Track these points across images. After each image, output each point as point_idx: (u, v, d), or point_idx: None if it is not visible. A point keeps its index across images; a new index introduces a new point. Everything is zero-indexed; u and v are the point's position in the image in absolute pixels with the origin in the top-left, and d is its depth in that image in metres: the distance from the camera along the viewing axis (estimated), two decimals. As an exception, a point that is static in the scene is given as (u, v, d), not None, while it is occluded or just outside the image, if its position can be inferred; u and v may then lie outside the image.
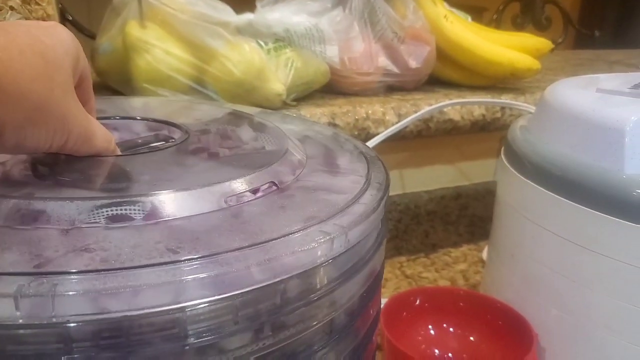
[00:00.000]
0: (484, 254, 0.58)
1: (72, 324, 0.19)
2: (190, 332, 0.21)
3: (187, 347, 0.21)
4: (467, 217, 0.61)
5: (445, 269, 0.57)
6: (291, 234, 0.22)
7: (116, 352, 0.20)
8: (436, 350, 0.41)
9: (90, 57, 0.51)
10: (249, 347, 0.22)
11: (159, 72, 0.45)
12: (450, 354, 0.41)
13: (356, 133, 0.51)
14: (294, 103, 0.50)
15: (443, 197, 0.59)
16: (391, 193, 0.60)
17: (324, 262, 0.23)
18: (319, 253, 0.22)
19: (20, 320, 0.19)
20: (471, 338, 0.41)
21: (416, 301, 0.41)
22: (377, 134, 0.51)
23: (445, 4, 0.58)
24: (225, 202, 0.24)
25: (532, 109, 0.50)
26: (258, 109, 0.41)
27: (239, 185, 0.25)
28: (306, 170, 0.29)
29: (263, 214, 0.24)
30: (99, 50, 0.49)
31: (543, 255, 0.40)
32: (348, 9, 0.52)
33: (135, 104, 0.43)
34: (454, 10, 0.59)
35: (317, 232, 0.23)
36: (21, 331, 0.19)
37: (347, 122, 0.50)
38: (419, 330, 0.41)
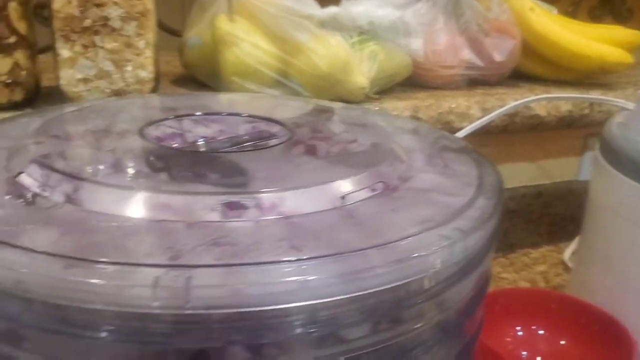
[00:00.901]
0: (566, 256, 0.56)
1: (205, 316, 0.20)
2: (315, 326, 0.21)
3: (312, 337, 0.21)
4: (548, 216, 0.60)
5: (524, 269, 0.55)
6: (411, 236, 0.22)
7: (246, 343, 0.20)
8: (524, 353, 0.40)
9: (179, 50, 0.52)
10: (366, 340, 0.22)
11: (246, 66, 0.46)
12: (539, 358, 0.40)
13: (439, 127, 0.50)
14: (377, 96, 0.49)
15: (524, 196, 0.58)
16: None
17: (444, 267, 0.23)
18: (440, 257, 0.22)
19: (157, 310, 0.20)
20: (562, 342, 0.40)
21: (505, 302, 0.40)
22: (461, 128, 0.50)
23: (530, -5, 0.56)
24: (340, 201, 0.24)
25: (629, 104, 0.48)
26: (341, 104, 0.41)
27: (352, 184, 0.25)
28: (413, 170, 0.28)
29: (378, 214, 0.24)
30: (187, 44, 0.50)
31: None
32: (432, 2, 0.51)
33: (225, 99, 0.43)
34: (538, 2, 0.57)
35: (436, 236, 0.23)
36: (156, 320, 0.20)
37: (430, 116, 0.49)
38: (507, 331, 0.40)
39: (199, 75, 0.51)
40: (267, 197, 0.23)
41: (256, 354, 0.21)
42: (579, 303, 0.41)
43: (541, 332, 0.41)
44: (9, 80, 0.42)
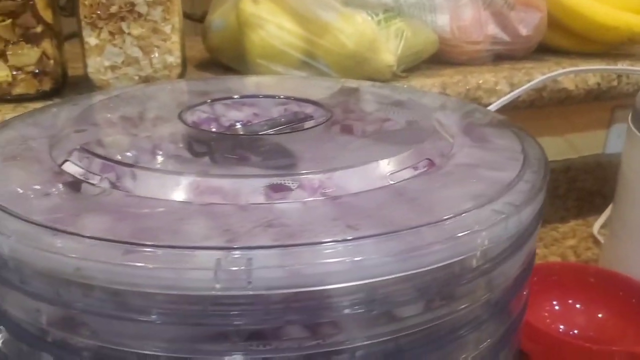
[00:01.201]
0: (595, 229, 0.56)
1: (265, 296, 0.20)
2: (370, 305, 0.21)
3: (367, 316, 0.21)
4: (575, 190, 0.59)
5: (554, 244, 0.55)
6: (465, 212, 0.22)
7: (304, 323, 0.21)
8: (561, 327, 0.40)
9: (202, 34, 0.52)
10: (419, 318, 0.22)
11: (272, 47, 0.45)
12: (576, 331, 0.40)
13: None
14: (404, 74, 0.49)
15: (552, 171, 0.57)
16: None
17: (498, 242, 0.22)
18: (494, 233, 0.22)
19: (218, 292, 0.20)
20: (599, 315, 0.40)
21: (540, 277, 0.40)
22: (489, 104, 0.49)
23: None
24: (388, 179, 0.24)
25: (661, 75, 0.47)
26: (369, 83, 0.41)
27: (399, 162, 0.25)
28: (456, 146, 0.28)
29: (428, 191, 0.24)
30: (211, 27, 0.50)
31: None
32: (458, -24, 0.50)
33: (254, 82, 0.43)
34: (565, -28, 0.56)
35: (489, 211, 0.22)
36: (216, 302, 0.20)
37: (458, 92, 0.49)
38: (543, 305, 0.40)
39: (224, 58, 0.51)
40: (317, 177, 0.23)
41: (313, 332, 0.21)
42: (615, 276, 0.40)
43: (578, 305, 0.41)
44: (37, 70, 0.42)
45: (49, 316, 0.22)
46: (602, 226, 0.56)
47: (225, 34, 0.49)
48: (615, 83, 0.54)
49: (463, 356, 0.25)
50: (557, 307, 0.41)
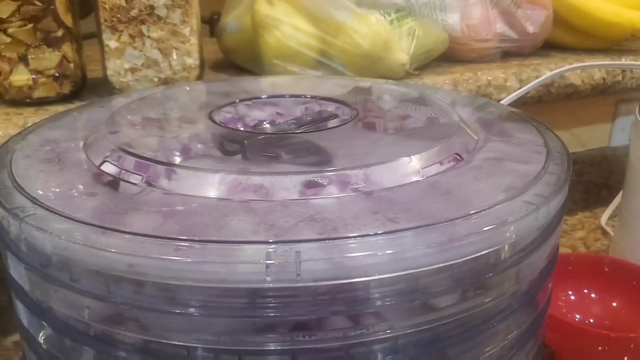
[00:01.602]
0: (603, 221, 0.57)
1: (312, 288, 0.21)
2: (411, 295, 0.22)
3: (408, 306, 0.22)
4: (582, 183, 0.60)
5: (563, 236, 0.56)
6: (498, 204, 0.23)
7: (348, 312, 0.21)
8: (577, 316, 0.41)
9: (217, 36, 0.53)
10: (455, 308, 0.23)
11: (288, 48, 0.46)
12: (591, 320, 0.41)
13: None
14: (417, 72, 0.50)
15: (559, 164, 0.58)
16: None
17: (529, 232, 0.23)
18: (526, 223, 0.23)
19: (268, 285, 0.20)
20: (614, 304, 0.41)
21: (556, 268, 0.41)
22: (500, 99, 0.50)
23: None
24: (421, 174, 0.25)
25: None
26: (385, 81, 0.42)
27: (429, 157, 0.26)
28: (480, 140, 0.29)
29: (462, 185, 0.25)
30: (226, 29, 0.51)
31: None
32: (466, -25, 0.51)
33: (272, 82, 0.44)
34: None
35: (521, 203, 0.23)
36: (266, 295, 0.21)
37: (469, 90, 0.50)
38: (559, 295, 0.41)
39: (239, 59, 0.51)
40: (352, 173, 0.24)
41: (356, 322, 0.22)
42: (629, 266, 0.41)
43: (593, 295, 0.42)
44: (57, 74, 0.43)
45: (97, 312, 0.23)
46: (610, 217, 0.57)
47: (240, 36, 0.49)
48: (619, 78, 0.55)
49: (493, 345, 0.26)
50: (572, 297, 0.42)
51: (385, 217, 0.22)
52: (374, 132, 0.30)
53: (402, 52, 0.47)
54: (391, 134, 0.30)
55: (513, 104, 0.50)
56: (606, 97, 0.57)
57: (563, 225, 0.59)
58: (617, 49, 0.59)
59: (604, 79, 0.54)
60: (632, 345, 0.36)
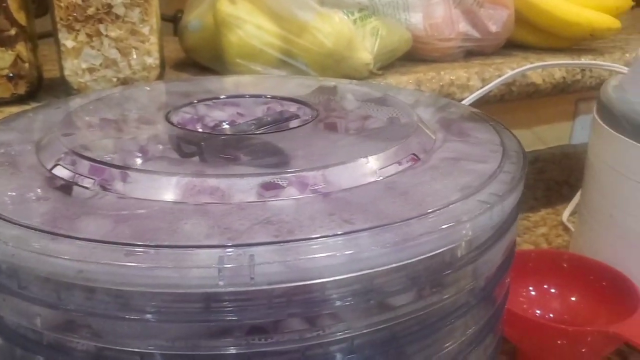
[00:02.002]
0: (564, 217, 0.58)
1: (267, 291, 0.21)
2: (367, 295, 0.22)
3: (364, 306, 0.22)
4: (544, 181, 0.61)
5: (526, 233, 0.57)
6: (452, 203, 0.23)
7: (305, 314, 0.21)
8: (538, 311, 0.42)
9: (179, 34, 0.52)
10: (411, 306, 0.23)
11: (250, 47, 0.46)
12: (551, 314, 0.42)
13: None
14: (380, 72, 0.50)
15: (521, 162, 0.59)
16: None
17: (484, 230, 0.24)
18: (480, 222, 0.23)
19: (222, 289, 0.20)
20: (572, 299, 0.42)
21: (517, 264, 0.42)
22: (462, 99, 0.51)
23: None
24: (378, 174, 0.25)
25: (623, 68, 0.49)
26: (348, 80, 0.42)
27: (386, 158, 0.26)
28: (439, 140, 0.29)
29: (417, 185, 0.25)
30: (188, 27, 0.50)
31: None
32: (429, -25, 0.51)
33: (234, 82, 0.44)
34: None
35: (475, 202, 0.24)
36: (220, 299, 0.21)
37: (432, 89, 0.50)
38: (520, 291, 0.42)
39: (201, 58, 0.51)
40: (310, 174, 0.24)
41: (312, 324, 0.22)
42: (587, 261, 0.42)
43: (553, 290, 0.43)
44: (12, 74, 0.42)
45: (48, 320, 0.22)
46: (571, 214, 0.58)
47: (203, 35, 0.49)
48: (579, 77, 0.56)
49: (451, 342, 0.26)
50: (533, 293, 0.43)
51: (341, 219, 0.22)
52: (333, 133, 0.30)
53: (365, 52, 0.47)
54: (351, 134, 0.30)
55: (475, 103, 0.51)
56: (567, 95, 0.58)
57: (526, 222, 0.60)
58: (577, 48, 0.60)
59: (564, 77, 0.56)
60: (589, 339, 0.37)
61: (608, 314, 0.40)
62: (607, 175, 0.44)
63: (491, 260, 0.26)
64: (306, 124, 0.30)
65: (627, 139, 0.41)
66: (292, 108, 0.34)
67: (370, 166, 0.25)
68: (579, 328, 0.38)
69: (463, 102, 0.50)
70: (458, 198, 0.23)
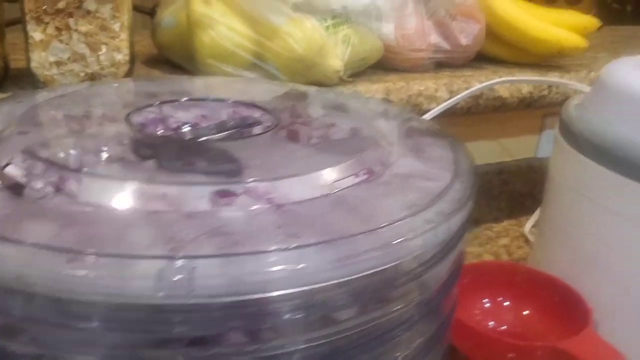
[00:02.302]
0: (526, 229, 0.59)
1: (207, 305, 0.21)
2: (309, 310, 0.22)
3: (306, 320, 0.22)
4: (508, 192, 0.63)
5: (488, 243, 0.58)
6: (399, 220, 0.24)
7: (245, 328, 0.22)
8: (491, 323, 0.43)
9: (152, 31, 0.52)
10: (355, 320, 0.24)
11: (222, 48, 0.46)
12: (505, 327, 0.43)
13: (409, 109, 0.52)
14: (350, 79, 0.50)
15: (486, 173, 0.60)
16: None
17: (428, 248, 0.24)
18: (425, 240, 0.24)
19: (161, 301, 0.20)
20: (525, 312, 0.43)
21: (473, 276, 0.43)
22: (429, 109, 0.51)
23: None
24: (330, 188, 0.26)
25: (585, 87, 0.51)
26: (316, 88, 0.42)
27: (341, 171, 0.26)
28: (394, 155, 0.30)
29: (367, 200, 0.25)
30: (162, 24, 0.50)
31: (599, 232, 0.41)
32: (403, -15, 0.52)
33: (203, 83, 0.44)
34: (504, -15, 0.59)
35: (421, 220, 0.24)
36: (159, 310, 0.21)
37: (400, 98, 0.51)
38: (475, 303, 0.43)
39: (173, 56, 0.51)
40: (262, 185, 0.24)
41: (253, 338, 0.22)
42: (540, 275, 0.43)
43: (507, 303, 0.44)
44: (-24, 64, 0.41)
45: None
46: (533, 226, 0.59)
47: (176, 32, 0.49)
48: (545, 92, 0.58)
49: (397, 354, 0.26)
50: (487, 305, 0.44)
51: (288, 232, 0.22)
52: (292, 143, 0.30)
53: (336, 59, 0.48)
54: (310, 145, 0.30)
55: (443, 114, 0.51)
56: (534, 110, 0.59)
57: (489, 232, 0.61)
58: (547, 64, 0.62)
59: (531, 93, 0.57)
60: (539, 353, 0.38)
61: (559, 329, 0.41)
62: (566, 192, 0.45)
63: (437, 276, 0.26)
64: (267, 131, 0.30)
65: (586, 158, 0.42)
66: (257, 113, 0.34)
67: (324, 179, 0.26)
68: (529, 343, 0.39)
69: (430, 112, 0.51)
70: (405, 215, 0.24)
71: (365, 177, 0.27)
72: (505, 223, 0.62)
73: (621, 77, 0.42)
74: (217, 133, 0.31)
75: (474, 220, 0.62)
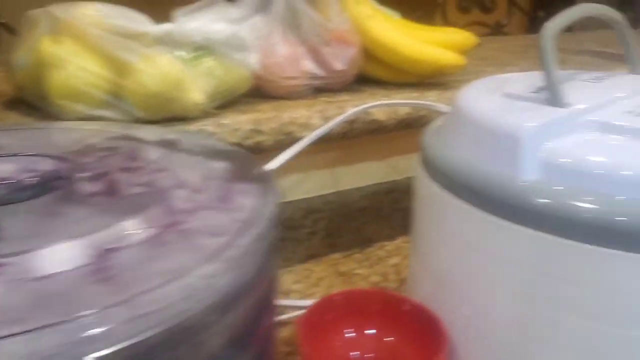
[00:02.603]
0: (415, 247, 0.60)
1: None
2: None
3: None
4: (400, 210, 0.63)
5: (378, 264, 0.59)
6: (155, 289, 0.23)
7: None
8: (356, 352, 0.43)
9: (7, 71, 0.50)
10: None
11: (74, 88, 0.45)
12: (372, 354, 0.43)
13: (282, 137, 0.52)
14: (216, 111, 0.50)
15: (375, 193, 0.61)
16: (323, 192, 0.61)
17: (194, 314, 0.24)
18: (185, 306, 0.23)
19: None
20: (388, 339, 0.43)
21: (339, 304, 0.43)
22: (302, 137, 0.51)
23: (373, 1, 0.58)
24: (95, 255, 0.25)
25: (448, 109, 0.51)
26: (156, 128, 0.41)
27: (113, 235, 0.26)
28: (189, 207, 0.29)
29: (130, 267, 0.24)
30: (16, 64, 0.48)
31: (450, 257, 0.41)
32: (270, 15, 0.52)
33: (26, 135, 0.42)
34: (381, 8, 0.59)
35: (182, 286, 0.24)
36: None
37: (271, 128, 0.51)
38: (341, 332, 0.43)
39: (29, 96, 0.49)
40: (10, 261, 0.24)
41: None
42: (403, 301, 0.44)
43: (372, 331, 0.44)
44: None
45: None
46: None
47: (29, 72, 0.48)
48: (424, 112, 0.58)
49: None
50: (352, 334, 0.44)
51: (18, 316, 0.21)
52: (73, 204, 0.29)
53: (196, 92, 0.47)
54: (91, 204, 0.29)
55: (319, 140, 0.51)
56: (416, 129, 0.60)
57: (380, 252, 0.61)
58: (427, 83, 0.62)
59: (409, 114, 0.57)
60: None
61: (420, 354, 0.42)
62: (422, 216, 0.45)
63: (210, 339, 0.25)
64: (53, 191, 0.29)
65: (434, 183, 0.42)
66: (48, 166, 0.33)
67: (89, 246, 0.25)
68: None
69: (302, 140, 0.50)
70: (160, 283, 0.23)
71: (143, 237, 0.26)
72: (399, 240, 0.63)
73: (467, 102, 0.42)
74: (9, 193, 0.30)
75: (367, 240, 0.62)
